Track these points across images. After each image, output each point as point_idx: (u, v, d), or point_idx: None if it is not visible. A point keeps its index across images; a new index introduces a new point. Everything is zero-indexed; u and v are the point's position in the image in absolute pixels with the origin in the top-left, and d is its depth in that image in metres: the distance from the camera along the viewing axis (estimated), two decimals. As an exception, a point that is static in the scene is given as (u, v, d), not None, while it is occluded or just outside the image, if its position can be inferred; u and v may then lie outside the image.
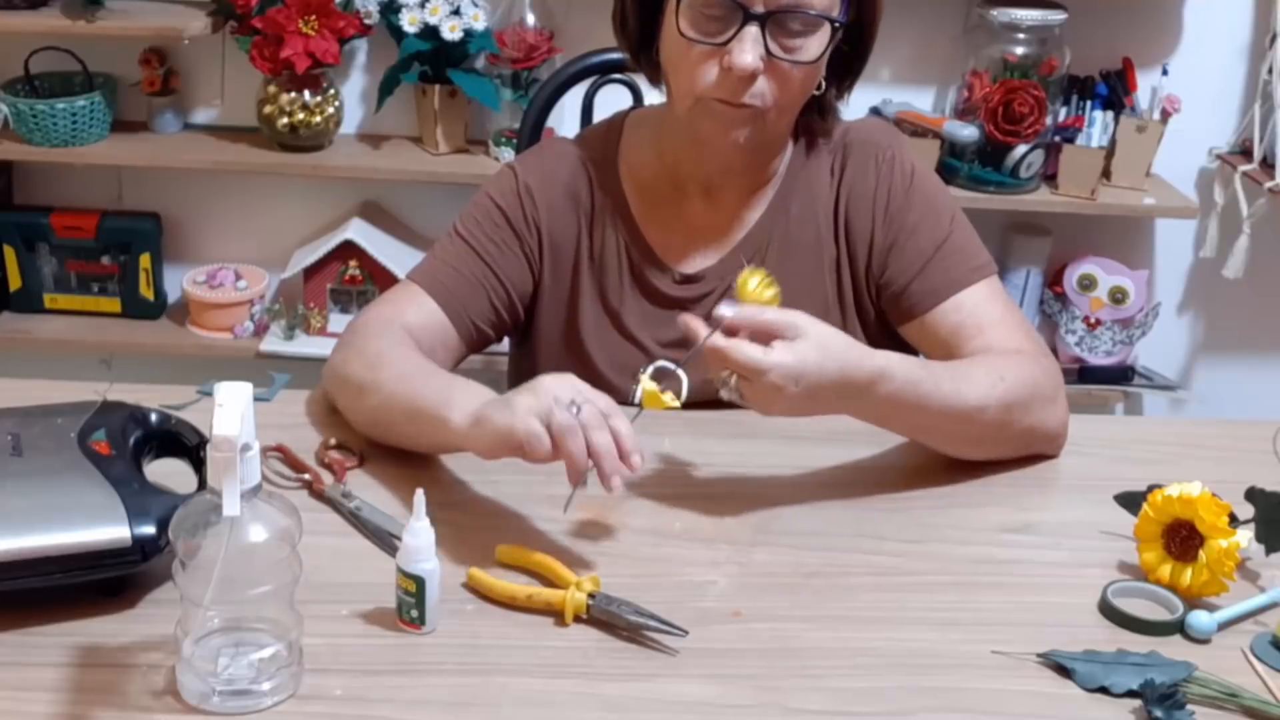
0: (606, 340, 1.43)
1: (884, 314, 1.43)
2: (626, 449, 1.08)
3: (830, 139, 1.43)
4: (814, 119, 1.40)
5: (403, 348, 1.31)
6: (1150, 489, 1.15)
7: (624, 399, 1.35)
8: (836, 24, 1.27)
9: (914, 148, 1.51)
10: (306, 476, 1.24)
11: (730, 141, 1.30)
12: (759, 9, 1.24)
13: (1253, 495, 1.16)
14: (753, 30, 1.24)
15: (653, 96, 1.61)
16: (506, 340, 1.53)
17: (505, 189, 1.43)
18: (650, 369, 1.21)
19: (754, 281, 1.17)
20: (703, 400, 1.21)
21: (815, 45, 1.27)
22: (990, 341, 1.33)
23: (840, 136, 1.43)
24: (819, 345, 1.14)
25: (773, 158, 1.41)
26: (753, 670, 1.01)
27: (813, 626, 1.07)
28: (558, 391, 1.10)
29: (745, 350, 1.12)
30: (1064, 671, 1.02)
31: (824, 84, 1.34)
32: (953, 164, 2.53)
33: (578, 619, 1.05)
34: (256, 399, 0.91)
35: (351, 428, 1.32)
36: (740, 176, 1.41)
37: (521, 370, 1.50)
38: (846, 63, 1.36)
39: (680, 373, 1.21)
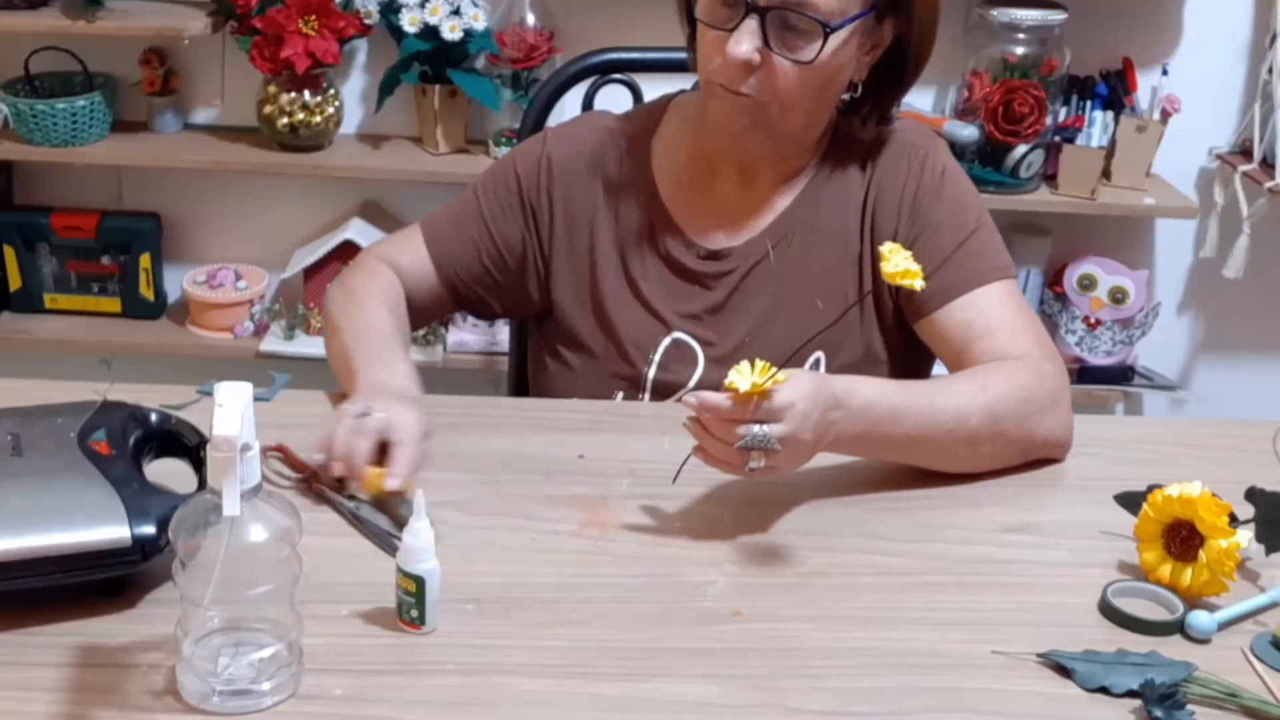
0: (627, 309, 1.45)
1: (901, 310, 1.43)
2: (394, 468, 1.16)
3: (865, 140, 1.44)
4: (853, 121, 1.42)
5: (377, 298, 1.43)
6: (1150, 489, 1.15)
7: (641, 368, 1.36)
8: (829, 30, 1.28)
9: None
10: (306, 476, 1.24)
11: (734, 127, 1.34)
12: (760, 2, 1.27)
13: (1253, 495, 1.16)
14: (751, 23, 1.27)
15: (653, 98, 1.62)
16: (505, 339, 1.55)
17: (530, 155, 1.49)
18: (666, 341, 1.22)
19: (744, 377, 1.10)
20: (708, 386, 1.22)
21: (814, 48, 1.28)
22: (996, 344, 1.33)
23: (875, 135, 1.44)
24: (803, 388, 1.14)
25: (801, 150, 1.43)
26: (753, 670, 1.01)
27: (813, 626, 1.07)
28: (376, 402, 1.22)
29: (763, 413, 1.11)
30: (1064, 671, 1.02)
31: (860, 89, 1.38)
32: (953, 164, 2.53)
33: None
34: (256, 399, 0.91)
35: None
36: (771, 163, 1.43)
37: (546, 342, 1.52)
38: (894, 76, 1.38)
39: (696, 347, 1.22)
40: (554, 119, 1.85)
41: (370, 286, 1.45)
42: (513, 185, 1.48)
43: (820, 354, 1.41)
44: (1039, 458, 1.33)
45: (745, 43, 1.27)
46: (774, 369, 1.10)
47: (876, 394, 1.21)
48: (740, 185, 1.44)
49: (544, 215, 1.46)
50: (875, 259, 1.42)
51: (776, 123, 1.34)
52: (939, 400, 1.25)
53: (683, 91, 1.53)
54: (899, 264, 1.09)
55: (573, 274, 1.47)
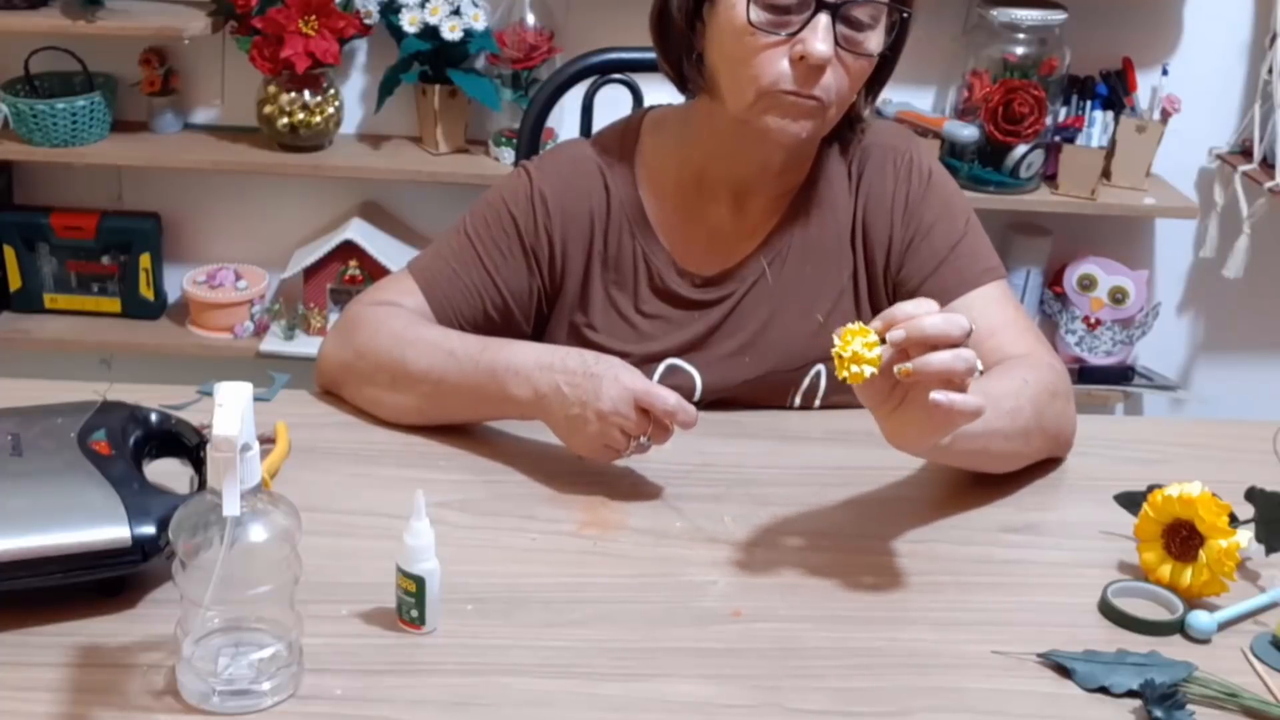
0: (621, 341, 1.42)
1: None
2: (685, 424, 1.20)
3: (851, 145, 1.42)
4: (844, 126, 1.38)
5: (420, 324, 1.35)
6: (1150, 489, 1.15)
7: None
8: (906, 14, 1.27)
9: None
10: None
11: (794, 135, 1.28)
12: None
13: (1253, 495, 1.17)
14: (824, 19, 1.23)
15: (653, 98, 1.61)
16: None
17: (519, 193, 1.41)
18: (661, 368, 1.22)
19: (857, 341, 1.04)
20: (707, 401, 1.21)
21: (878, 38, 1.27)
22: (1001, 344, 1.33)
23: (855, 141, 1.42)
24: None
25: (806, 161, 1.40)
26: (753, 670, 1.01)
27: (813, 626, 1.07)
28: (622, 420, 1.19)
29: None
30: (1064, 671, 1.02)
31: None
32: (953, 164, 2.53)
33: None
34: (256, 399, 0.91)
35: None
36: (776, 178, 1.39)
37: None
38: (876, 69, 1.35)
39: (693, 371, 1.21)
40: (554, 119, 1.85)
41: (396, 323, 1.35)
42: (510, 228, 1.40)
43: (821, 366, 1.41)
44: (1051, 454, 1.33)
45: (824, 41, 1.22)
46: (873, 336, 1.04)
47: None
48: (732, 208, 1.40)
49: (544, 254, 1.41)
50: (870, 266, 1.42)
51: (826, 126, 1.31)
52: (992, 391, 1.18)
53: (651, 109, 1.48)
54: (856, 349, 1.03)
55: (569, 309, 1.44)
